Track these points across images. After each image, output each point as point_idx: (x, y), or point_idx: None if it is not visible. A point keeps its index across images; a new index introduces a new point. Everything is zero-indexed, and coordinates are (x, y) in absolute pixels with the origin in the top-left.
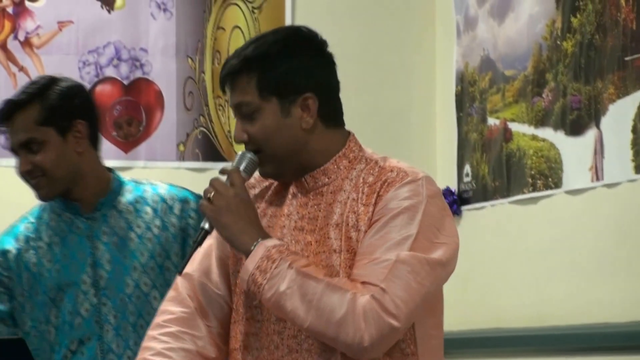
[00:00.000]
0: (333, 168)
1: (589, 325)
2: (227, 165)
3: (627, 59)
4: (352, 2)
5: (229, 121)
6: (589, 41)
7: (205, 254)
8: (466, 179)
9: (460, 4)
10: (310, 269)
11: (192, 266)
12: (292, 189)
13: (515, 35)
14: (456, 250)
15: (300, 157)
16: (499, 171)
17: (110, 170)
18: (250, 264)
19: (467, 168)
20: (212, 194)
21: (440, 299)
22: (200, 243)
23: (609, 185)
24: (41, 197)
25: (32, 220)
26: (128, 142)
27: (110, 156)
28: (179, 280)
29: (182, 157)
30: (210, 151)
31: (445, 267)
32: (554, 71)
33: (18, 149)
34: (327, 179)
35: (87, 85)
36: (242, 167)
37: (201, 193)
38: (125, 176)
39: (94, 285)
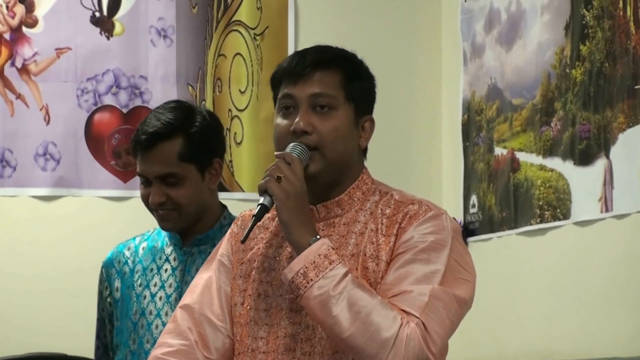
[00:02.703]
0: (346, 199)
1: None
2: (227, 193)
3: (637, 87)
4: (357, 29)
5: (230, 150)
6: (599, 69)
7: (206, 286)
8: (472, 210)
9: (467, 31)
10: (363, 282)
11: (193, 298)
12: None
13: (524, 64)
14: (475, 288)
15: (341, 173)
16: (506, 202)
17: (224, 207)
18: (305, 257)
19: (474, 199)
20: (284, 175)
21: None
22: (260, 218)
23: (618, 217)
24: (165, 228)
25: (138, 242)
26: (127, 172)
27: (108, 186)
28: (178, 313)
29: None
30: None
31: (468, 305)
32: (562, 100)
33: (153, 179)
34: (340, 211)
35: (85, 114)
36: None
37: None
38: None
39: None
